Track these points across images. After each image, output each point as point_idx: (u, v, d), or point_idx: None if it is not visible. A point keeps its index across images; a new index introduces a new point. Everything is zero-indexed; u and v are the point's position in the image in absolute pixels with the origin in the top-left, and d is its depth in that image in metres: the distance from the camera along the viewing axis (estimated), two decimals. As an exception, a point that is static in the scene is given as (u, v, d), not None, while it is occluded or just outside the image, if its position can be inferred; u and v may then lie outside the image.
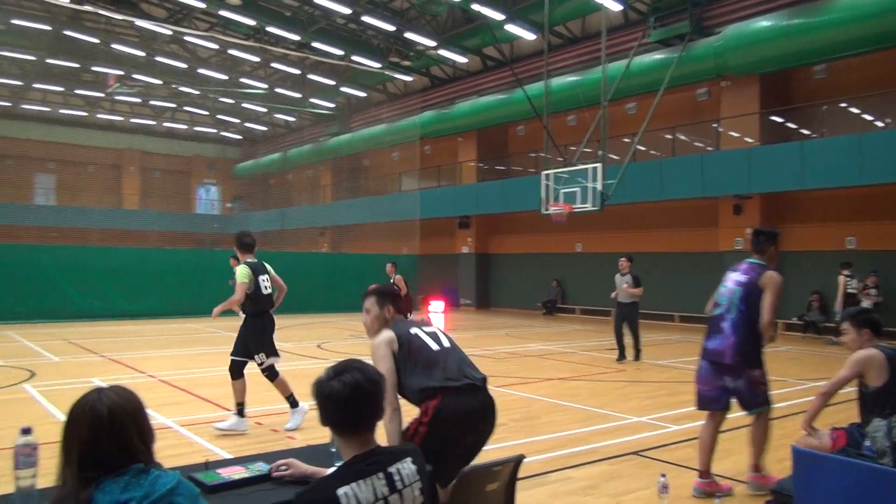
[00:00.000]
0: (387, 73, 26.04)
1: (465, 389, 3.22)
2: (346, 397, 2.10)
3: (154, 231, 35.02)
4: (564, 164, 16.25)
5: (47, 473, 2.54)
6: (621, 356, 11.42)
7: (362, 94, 30.73)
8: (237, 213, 41.15)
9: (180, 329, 16.38)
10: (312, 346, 13.14)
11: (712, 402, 4.79)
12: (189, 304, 18.96)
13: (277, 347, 6.66)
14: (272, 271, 6.68)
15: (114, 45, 26.74)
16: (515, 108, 21.97)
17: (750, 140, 17.66)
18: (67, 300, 17.71)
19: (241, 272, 6.35)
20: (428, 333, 3.45)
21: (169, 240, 34.52)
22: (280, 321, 12.29)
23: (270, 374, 6.57)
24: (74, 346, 12.85)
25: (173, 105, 35.64)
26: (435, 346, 3.38)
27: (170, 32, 24.95)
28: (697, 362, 4.89)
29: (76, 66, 29.27)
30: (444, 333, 3.54)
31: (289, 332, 13.27)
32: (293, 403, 6.58)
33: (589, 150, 16.74)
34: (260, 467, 2.81)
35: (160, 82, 30.25)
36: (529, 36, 21.03)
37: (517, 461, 2.96)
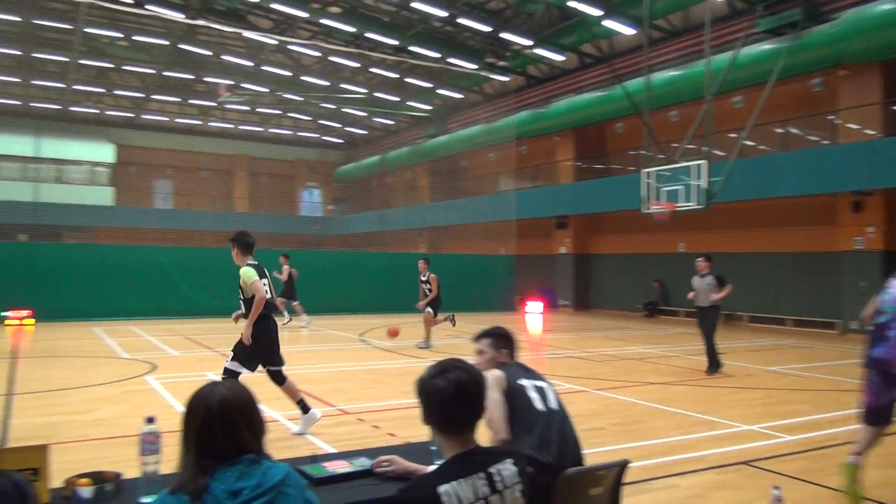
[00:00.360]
0: (483, 73, 26.11)
1: (555, 469, 2.86)
2: (451, 396, 2.11)
3: (262, 232, 36.64)
4: (666, 162, 15.72)
5: (169, 460, 2.71)
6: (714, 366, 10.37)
7: (459, 96, 30.95)
8: (338, 214, 42.40)
9: (288, 326, 17.03)
10: (411, 345, 13.34)
11: (883, 416, 4.51)
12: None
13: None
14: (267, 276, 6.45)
15: (224, 57, 28.24)
16: (614, 106, 21.49)
17: (871, 132, 16.48)
18: (185, 298, 18.79)
19: (248, 273, 6.09)
20: (536, 388, 3.25)
21: (276, 241, 36.04)
22: (377, 320, 12.41)
23: (277, 378, 6.31)
24: (191, 341, 13.63)
25: (279, 112, 37.17)
26: (539, 405, 3.17)
27: (275, 42, 26.06)
28: (864, 373, 4.60)
29: (191, 77, 31.12)
30: (552, 389, 3.33)
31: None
32: (304, 409, 6.29)
33: (692, 146, 16.12)
34: (363, 462, 2.88)
35: (267, 90, 31.65)
36: (628, 31, 20.52)
37: (622, 466, 2.88)
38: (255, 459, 1.88)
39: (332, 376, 9.78)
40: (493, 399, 3.12)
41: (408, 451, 3.02)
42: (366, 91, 31.27)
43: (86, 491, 2.48)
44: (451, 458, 2.12)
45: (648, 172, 15.82)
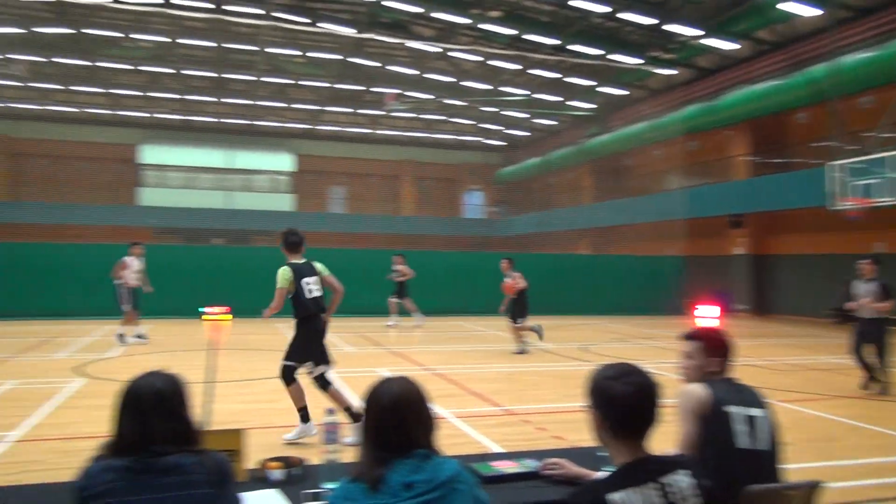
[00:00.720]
0: (647, 68, 25.17)
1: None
2: (629, 401, 2.01)
3: (429, 235, 37.89)
4: (858, 153, 14.25)
5: (347, 450, 2.87)
6: (872, 381, 8.80)
7: (622, 93, 30.07)
8: (501, 216, 42.79)
9: (453, 326, 17.45)
10: (574, 347, 13.15)
11: None
12: (461, 303, 20.19)
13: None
14: (325, 272, 6.27)
15: (390, 67, 29.55)
16: (794, 94, 19.81)
17: None
18: (356, 296, 19.83)
19: (282, 275, 5.97)
20: (746, 418, 2.73)
21: (441, 243, 37.11)
22: (542, 322, 12.34)
23: (321, 383, 6.10)
24: (365, 338, 14.37)
25: (442, 117, 38.22)
26: (744, 442, 2.69)
27: (438, 50, 26.82)
28: None
29: (360, 88, 32.88)
30: (768, 420, 2.78)
31: (550, 334, 13.44)
32: (354, 417, 5.82)
33: (891, 134, 14.49)
34: (530, 464, 2.88)
35: (430, 97, 32.67)
36: (810, 12, 18.84)
37: (813, 486, 2.64)
38: (427, 454, 1.95)
39: (497, 376, 9.88)
40: (686, 431, 2.77)
41: (575, 454, 2.98)
42: (526, 92, 31.29)
43: (277, 473, 2.70)
44: (622, 466, 2.04)
45: (837, 165, 14.44)
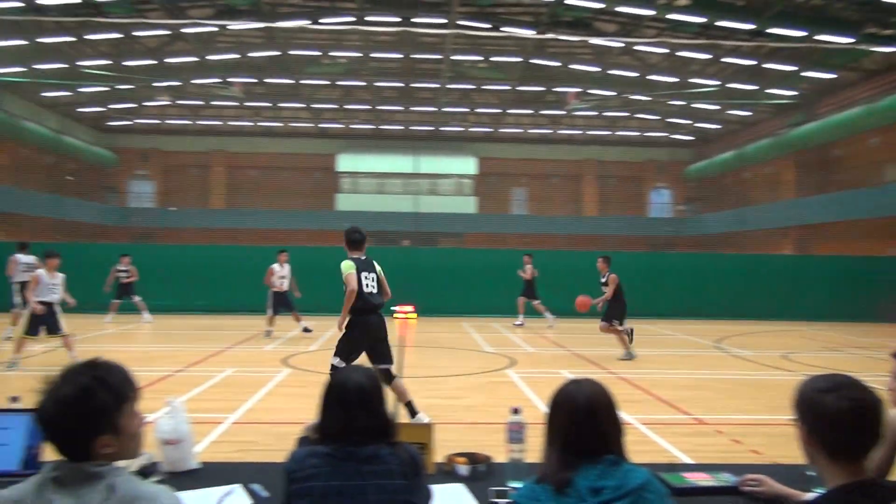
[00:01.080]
0: (862, 47, 22.59)
1: None
2: (847, 417, 1.77)
3: (612, 235, 36.95)
4: None
5: (533, 449, 2.87)
6: None
7: (830, 76, 27.28)
8: (690, 215, 40.65)
9: (638, 329, 16.83)
10: (776, 355, 12.14)
11: None
12: (645, 305, 19.41)
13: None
14: (380, 272, 6.36)
15: (571, 66, 29.19)
16: None
17: None
18: (540, 298, 19.83)
19: (345, 265, 6.13)
20: None
21: (626, 243, 36.03)
22: (734, 327, 11.47)
23: (385, 378, 6.03)
24: (545, 339, 14.33)
25: (625, 114, 37.09)
26: None
27: (621, 45, 26.05)
28: None
29: (541, 89, 32.84)
30: None
31: (749, 340, 12.51)
32: (412, 412, 6.16)
33: None
34: (727, 478, 2.70)
35: (613, 93, 31.82)
36: None
37: None
38: (616, 461, 1.89)
39: (686, 383, 9.39)
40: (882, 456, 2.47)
41: (777, 472, 2.74)
42: (718, 83, 29.45)
43: (464, 469, 2.77)
44: (838, 488, 1.82)
45: None
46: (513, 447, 2.74)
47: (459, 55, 28.49)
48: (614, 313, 11.50)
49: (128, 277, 16.35)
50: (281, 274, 14.21)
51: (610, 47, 27.23)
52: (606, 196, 41.88)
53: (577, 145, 41.66)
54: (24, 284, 12.33)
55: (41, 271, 10.08)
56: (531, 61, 28.88)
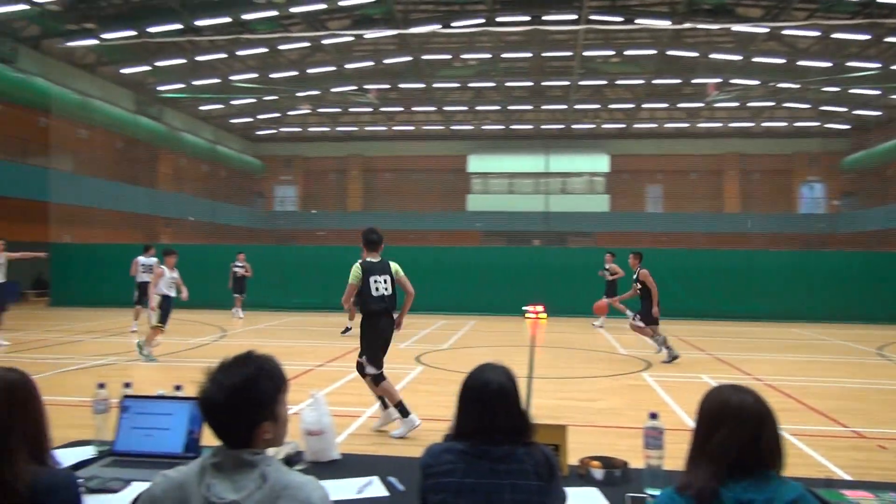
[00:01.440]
0: None
1: None
2: None
3: (756, 233, 34.82)
4: None
5: (671, 457, 2.76)
6: None
7: None
8: (847, 210, 37.49)
9: (784, 333, 15.79)
10: (950, 364, 10.93)
11: None
12: (793, 307, 18.19)
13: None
14: (400, 273, 6.28)
15: (711, 56, 27.77)
16: None
17: None
18: (676, 299, 19.02)
19: (353, 272, 6.14)
20: None
21: (772, 241, 33.80)
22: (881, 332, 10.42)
23: (374, 378, 6.16)
24: (683, 342, 13.71)
25: (771, 103, 34.79)
26: None
27: (767, 30, 24.46)
28: None
29: (678, 81, 31.50)
30: None
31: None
32: (404, 412, 6.04)
33: None
34: (893, 499, 2.46)
35: (758, 82, 29.96)
36: None
37: None
38: (767, 474, 1.76)
39: (842, 392, 8.66)
40: None
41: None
42: (879, 65, 26.92)
43: (598, 472, 2.71)
44: None
45: None
46: (650, 453, 2.65)
47: (591, 51, 27.92)
48: (647, 311, 10.77)
49: (244, 273, 17.62)
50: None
51: (754, 33, 25.63)
52: (750, 191, 39.49)
53: (717, 139, 39.61)
54: (144, 284, 13.68)
55: (163, 267, 11.02)
56: (667, 53, 27.76)
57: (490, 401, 2.06)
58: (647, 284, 10.67)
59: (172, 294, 10.91)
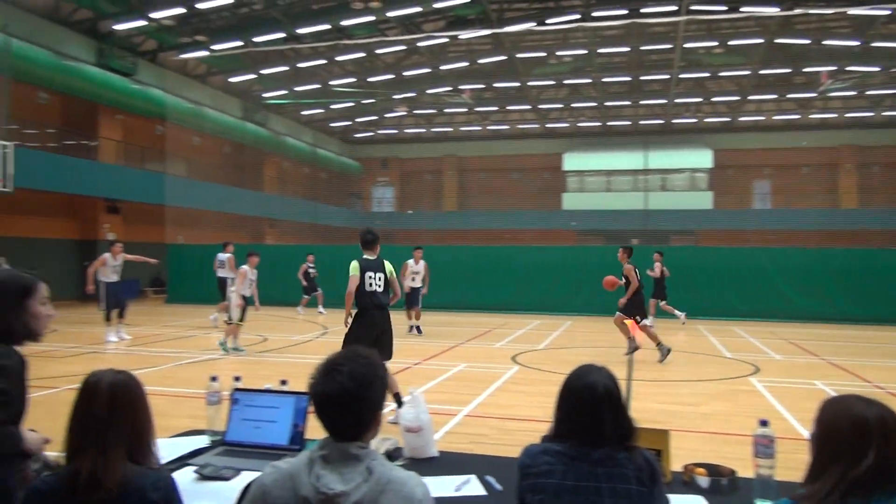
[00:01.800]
0: None
1: None
2: None
3: (875, 230, 32.50)
4: None
5: (784, 466, 2.62)
6: None
7: None
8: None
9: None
10: None
11: None
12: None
13: None
14: (392, 273, 6.73)
15: (825, 42, 26.13)
16: None
17: None
18: (787, 301, 18.08)
19: (352, 267, 6.55)
20: None
21: (894, 239, 31.46)
22: None
23: None
24: (794, 346, 13.01)
25: (893, 91, 32.38)
26: None
27: (888, 12, 22.77)
28: None
29: (787, 71, 29.85)
30: None
31: None
32: (399, 402, 6.05)
33: None
34: None
35: (878, 69, 27.97)
36: None
37: None
38: (894, 492, 1.63)
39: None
40: None
41: None
42: None
43: (704, 480, 2.60)
44: None
45: None
46: (760, 462, 2.52)
47: (692, 42, 26.90)
48: (634, 307, 10.73)
49: (315, 273, 18.42)
50: (414, 270, 14.18)
51: (873, 16, 23.92)
52: (868, 185, 36.85)
53: (831, 130, 37.25)
54: (220, 279, 14.54)
55: (245, 267, 11.36)
56: (775, 41, 26.34)
57: (597, 404, 2.01)
58: (629, 279, 10.71)
59: (248, 293, 11.31)
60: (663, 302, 15.88)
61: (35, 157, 19.12)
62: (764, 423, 2.56)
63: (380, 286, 6.60)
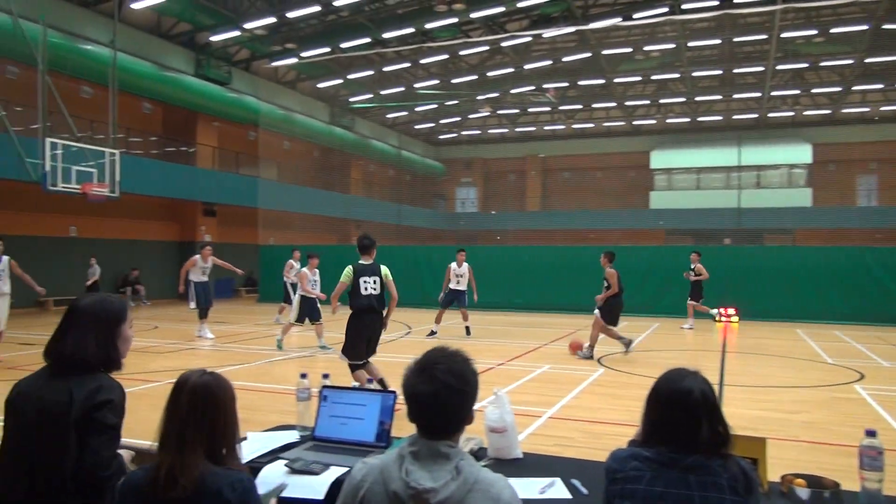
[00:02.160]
0: None
1: None
2: None
3: None
4: None
5: (891, 480, 2.45)
6: None
7: None
8: None
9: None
10: None
11: None
12: None
13: None
14: (388, 277, 6.99)
15: (939, 26, 24.35)
16: None
17: None
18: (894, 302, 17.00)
19: (344, 272, 6.89)
20: None
21: None
22: None
23: (350, 367, 6.98)
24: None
25: None
26: None
27: None
28: None
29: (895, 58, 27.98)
30: None
31: None
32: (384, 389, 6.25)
33: None
34: None
35: None
36: None
37: None
38: None
39: None
40: None
41: None
42: None
43: (804, 492, 2.46)
44: None
45: None
46: (867, 475, 2.37)
47: (790, 32, 25.63)
48: (608, 311, 10.80)
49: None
50: (458, 273, 13.91)
51: None
52: None
53: (947, 120, 34.67)
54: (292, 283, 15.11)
55: (305, 269, 11.81)
56: (883, 27, 24.73)
57: (693, 410, 1.94)
58: (609, 283, 10.80)
59: (313, 294, 11.67)
60: (696, 302, 15.68)
61: (139, 164, 20.31)
62: (871, 434, 2.41)
63: (375, 289, 6.92)
